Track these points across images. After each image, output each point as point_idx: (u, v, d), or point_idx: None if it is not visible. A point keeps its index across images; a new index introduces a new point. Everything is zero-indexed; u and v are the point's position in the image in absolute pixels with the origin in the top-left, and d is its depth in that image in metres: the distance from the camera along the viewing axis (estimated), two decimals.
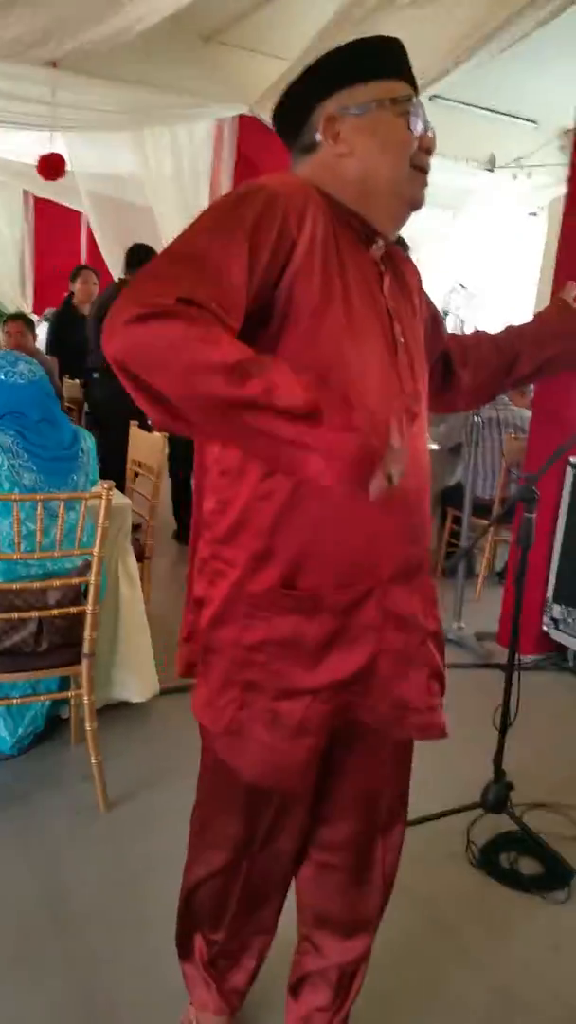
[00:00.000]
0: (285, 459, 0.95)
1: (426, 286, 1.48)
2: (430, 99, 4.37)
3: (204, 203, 5.90)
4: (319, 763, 1.34)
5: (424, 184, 1.29)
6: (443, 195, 5.94)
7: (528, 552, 2.36)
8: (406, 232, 1.49)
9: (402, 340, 1.28)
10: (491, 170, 6.55)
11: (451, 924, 2.07)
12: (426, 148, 1.28)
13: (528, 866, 2.29)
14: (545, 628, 3.61)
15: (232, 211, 1.10)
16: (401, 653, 1.30)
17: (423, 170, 1.28)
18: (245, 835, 1.41)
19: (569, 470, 3.52)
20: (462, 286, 3.66)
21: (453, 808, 2.39)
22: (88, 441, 2.61)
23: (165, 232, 5.68)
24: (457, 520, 4.41)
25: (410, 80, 1.29)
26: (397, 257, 1.38)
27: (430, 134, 1.28)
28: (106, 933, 1.97)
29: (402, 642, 1.29)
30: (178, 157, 5.54)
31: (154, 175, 5.67)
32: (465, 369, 1.55)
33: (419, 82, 1.33)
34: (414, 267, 1.44)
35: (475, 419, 3.96)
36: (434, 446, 4.49)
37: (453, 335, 1.59)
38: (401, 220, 1.31)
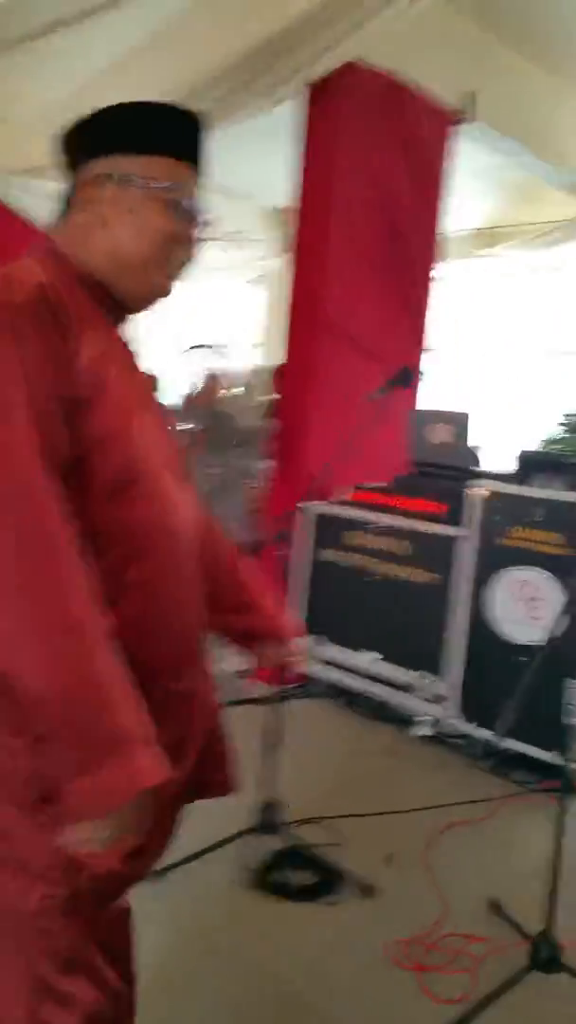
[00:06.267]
0: None
1: (150, 349, 1.43)
2: None
3: None
4: None
5: (172, 274, 1.23)
6: None
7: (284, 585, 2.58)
8: None
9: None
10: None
11: (235, 947, 2.15)
12: (185, 239, 1.21)
13: (302, 877, 2.43)
14: None
15: None
16: None
17: (176, 261, 1.22)
18: None
19: (306, 514, 3.83)
20: (208, 345, 3.92)
21: (227, 837, 2.49)
22: None
23: None
24: None
25: (194, 160, 1.22)
26: None
27: (195, 225, 1.22)
28: None
29: None
30: None
31: None
32: None
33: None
34: None
35: (215, 471, 4.21)
36: None
37: None
38: (146, 303, 1.25)
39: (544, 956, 1.97)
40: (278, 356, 4.43)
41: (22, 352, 1.02)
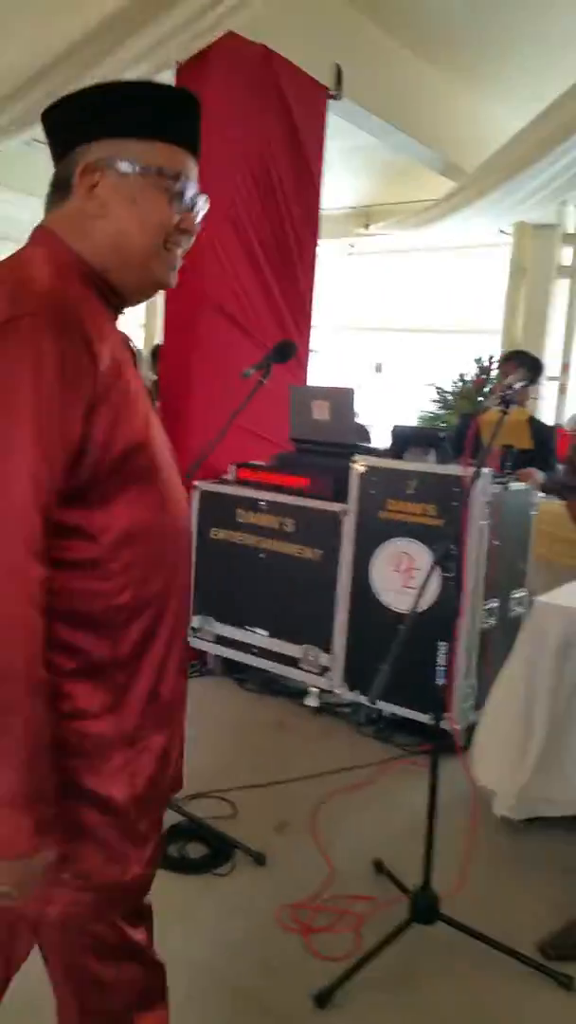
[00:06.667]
0: None
1: None
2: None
3: None
4: None
5: (174, 266, 1.18)
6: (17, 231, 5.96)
7: None
8: None
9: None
10: None
11: None
12: (185, 229, 1.16)
13: (196, 850, 2.49)
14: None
15: None
16: None
17: (178, 252, 1.18)
18: None
19: (195, 492, 3.85)
20: None
21: None
22: None
23: None
24: None
25: (193, 146, 1.16)
26: None
27: (195, 214, 1.17)
28: None
29: None
30: None
31: None
32: None
33: None
34: None
35: None
36: None
37: None
38: (147, 296, 1.22)
39: (423, 908, 2.08)
40: (159, 336, 4.39)
41: (37, 377, 0.97)
